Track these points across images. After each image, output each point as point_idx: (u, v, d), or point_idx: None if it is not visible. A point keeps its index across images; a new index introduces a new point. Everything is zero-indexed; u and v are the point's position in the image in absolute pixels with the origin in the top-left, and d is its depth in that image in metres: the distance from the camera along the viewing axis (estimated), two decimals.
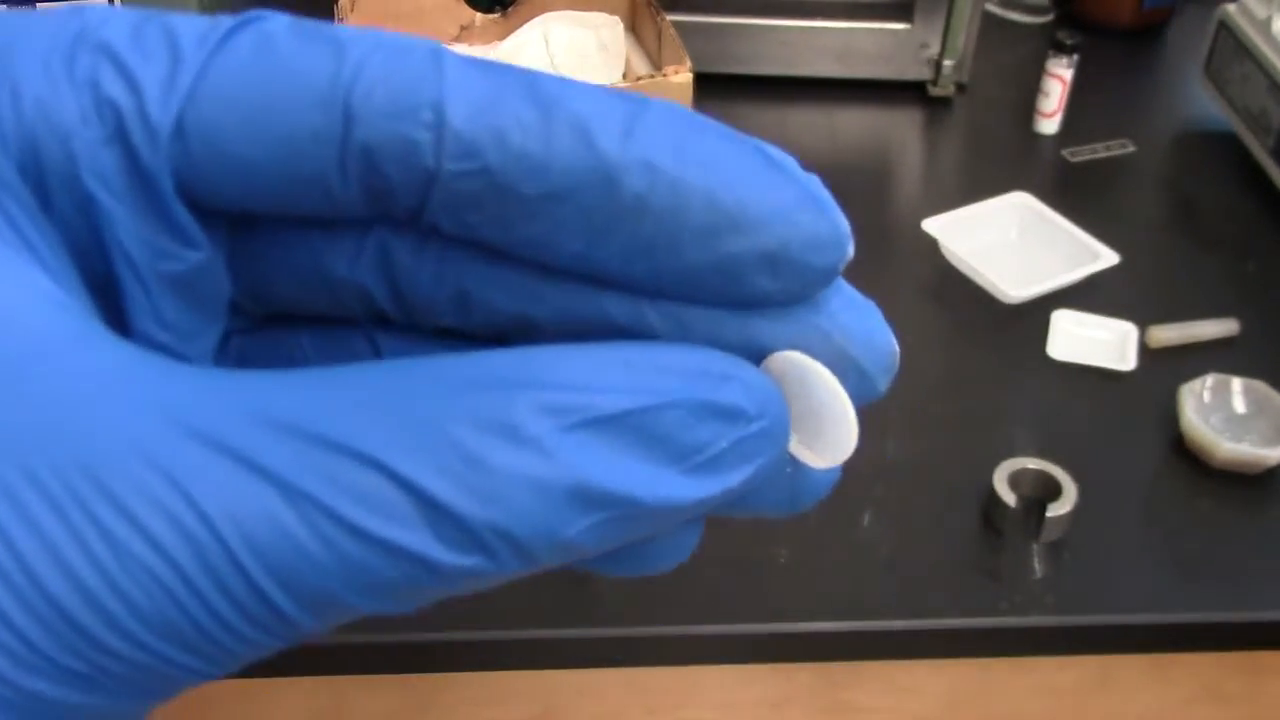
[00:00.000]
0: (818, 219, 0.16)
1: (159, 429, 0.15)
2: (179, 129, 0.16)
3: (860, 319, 0.17)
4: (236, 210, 0.17)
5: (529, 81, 0.16)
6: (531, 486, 0.15)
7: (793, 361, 0.17)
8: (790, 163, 0.17)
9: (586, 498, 0.15)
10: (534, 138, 0.16)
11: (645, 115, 0.16)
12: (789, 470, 0.18)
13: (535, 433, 0.15)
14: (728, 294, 0.16)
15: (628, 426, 0.15)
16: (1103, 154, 1.07)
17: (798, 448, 0.18)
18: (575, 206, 0.16)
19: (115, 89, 0.16)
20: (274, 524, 0.14)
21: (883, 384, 0.18)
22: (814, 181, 0.17)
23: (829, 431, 0.18)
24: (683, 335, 0.17)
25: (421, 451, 0.15)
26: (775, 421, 0.17)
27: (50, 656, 0.14)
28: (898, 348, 0.18)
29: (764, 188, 0.16)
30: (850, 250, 0.17)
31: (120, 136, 0.16)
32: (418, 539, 0.15)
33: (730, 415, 0.16)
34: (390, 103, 0.16)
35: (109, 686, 0.15)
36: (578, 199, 0.16)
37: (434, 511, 0.15)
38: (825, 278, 0.17)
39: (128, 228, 0.16)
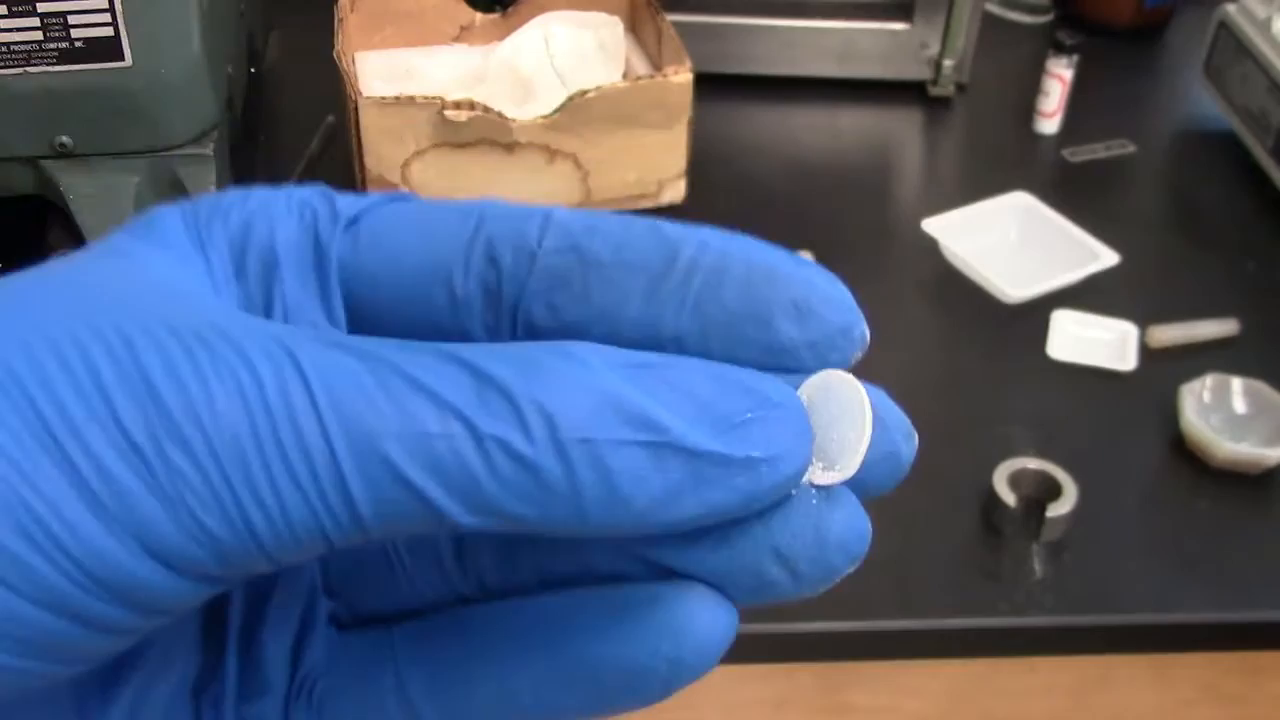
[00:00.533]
0: (833, 283, 0.19)
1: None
2: (354, 221, 0.21)
3: (880, 393, 0.19)
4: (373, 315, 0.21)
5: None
6: (577, 384, 0.16)
7: (819, 380, 0.19)
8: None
9: (624, 412, 0.16)
10: (616, 225, 0.19)
11: (700, 228, 0.19)
12: (814, 502, 0.18)
13: (584, 355, 0.17)
14: (761, 341, 0.19)
15: (667, 381, 0.17)
16: (1103, 154, 1.07)
17: (816, 473, 0.18)
18: (644, 272, 0.19)
19: (315, 199, 0.21)
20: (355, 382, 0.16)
21: (906, 448, 0.20)
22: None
23: (848, 440, 0.18)
24: None
25: (483, 350, 0.17)
26: (794, 410, 0.18)
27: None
28: (917, 438, 0.20)
29: (789, 258, 0.19)
30: (865, 331, 0.19)
31: (311, 221, 0.21)
32: (463, 399, 0.16)
33: (759, 397, 0.17)
34: (512, 213, 0.20)
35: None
36: (647, 266, 0.19)
37: (482, 380, 0.16)
38: (843, 338, 0.19)
39: (294, 290, 0.20)
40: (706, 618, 0.18)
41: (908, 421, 0.19)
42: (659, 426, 0.16)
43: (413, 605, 0.21)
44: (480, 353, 0.17)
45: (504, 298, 0.19)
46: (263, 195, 0.21)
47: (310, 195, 0.21)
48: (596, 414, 0.16)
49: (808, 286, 0.19)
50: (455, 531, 0.18)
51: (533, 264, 0.19)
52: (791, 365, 0.19)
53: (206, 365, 0.16)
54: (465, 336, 0.20)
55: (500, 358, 0.17)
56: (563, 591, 0.19)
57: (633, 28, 1.04)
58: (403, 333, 0.19)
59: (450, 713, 0.19)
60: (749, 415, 0.17)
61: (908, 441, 0.19)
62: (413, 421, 0.16)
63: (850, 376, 0.19)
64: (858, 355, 0.19)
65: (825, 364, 0.19)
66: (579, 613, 0.19)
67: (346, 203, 0.21)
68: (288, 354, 0.16)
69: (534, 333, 0.19)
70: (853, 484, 0.18)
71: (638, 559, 0.19)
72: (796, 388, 0.18)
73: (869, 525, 0.19)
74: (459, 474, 0.16)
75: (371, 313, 0.20)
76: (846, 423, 0.18)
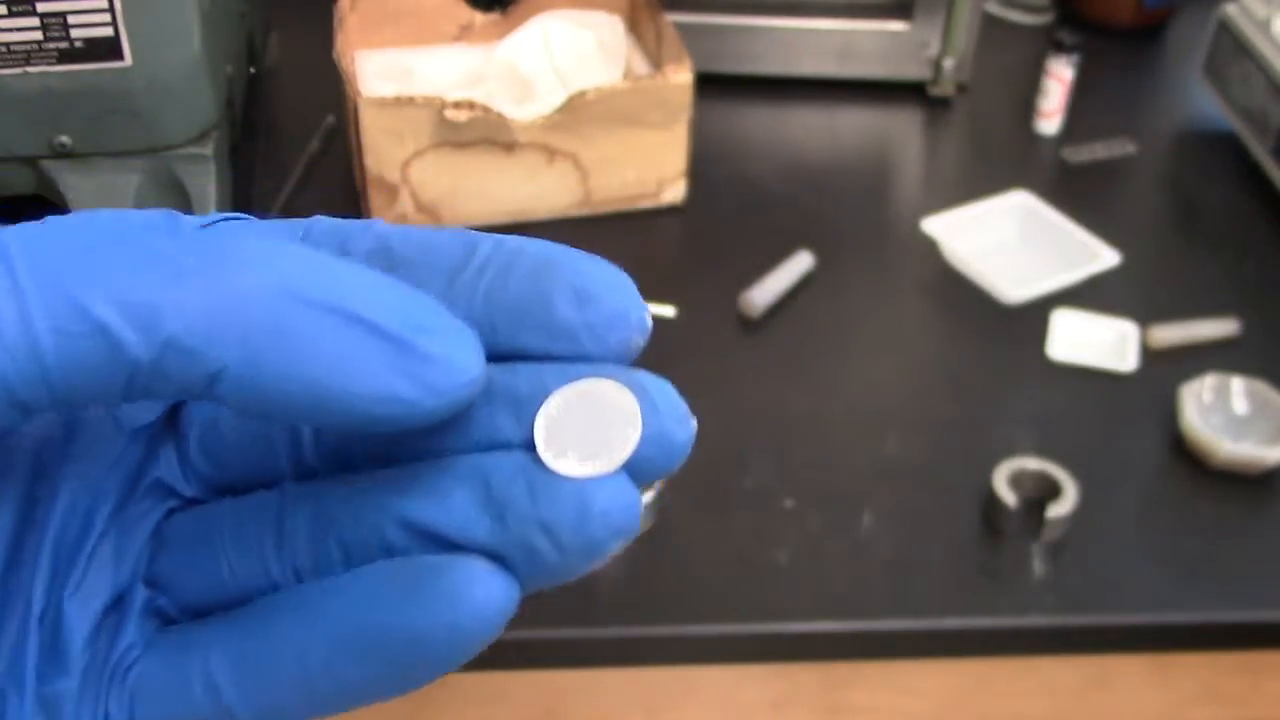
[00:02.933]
0: (614, 272, 0.20)
1: None
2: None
3: (659, 381, 0.20)
4: None
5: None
6: (268, 261, 0.19)
7: (584, 385, 0.20)
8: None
9: (314, 286, 0.19)
10: (427, 232, 0.21)
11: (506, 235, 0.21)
12: (578, 479, 0.20)
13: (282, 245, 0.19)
14: (543, 323, 0.20)
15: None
16: (1103, 154, 1.07)
17: (570, 464, 0.19)
18: (444, 267, 0.21)
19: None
20: None
21: (679, 432, 0.20)
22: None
23: (612, 439, 0.20)
24: (515, 379, 0.20)
25: None
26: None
27: None
28: (694, 424, 0.20)
29: (576, 253, 0.21)
30: (645, 317, 0.20)
31: None
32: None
33: (440, 314, 0.20)
34: (338, 225, 0.22)
35: None
36: (448, 262, 0.21)
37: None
38: (621, 320, 0.20)
39: None
40: (482, 585, 0.19)
41: (683, 406, 0.20)
42: (345, 308, 0.19)
43: (235, 597, 0.22)
44: (180, 244, 0.18)
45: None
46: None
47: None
48: (285, 281, 0.18)
49: (589, 275, 0.20)
50: (134, 384, 0.18)
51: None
52: (572, 349, 0.20)
53: None
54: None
55: (194, 248, 0.18)
56: (356, 569, 0.21)
57: (633, 28, 1.04)
58: None
59: (254, 695, 0.21)
60: (430, 322, 0.19)
61: (681, 425, 0.20)
62: (110, 272, 0.18)
63: (615, 384, 0.20)
64: (639, 341, 0.20)
65: (604, 346, 0.20)
66: (366, 586, 0.20)
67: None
68: None
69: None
70: (629, 467, 0.20)
71: (428, 537, 0.20)
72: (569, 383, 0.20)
73: (637, 501, 0.20)
74: (143, 304, 0.18)
75: None
76: (613, 423, 0.20)
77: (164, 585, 0.22)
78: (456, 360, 0.19)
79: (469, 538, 0.20)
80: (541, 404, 0.20)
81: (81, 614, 0.21)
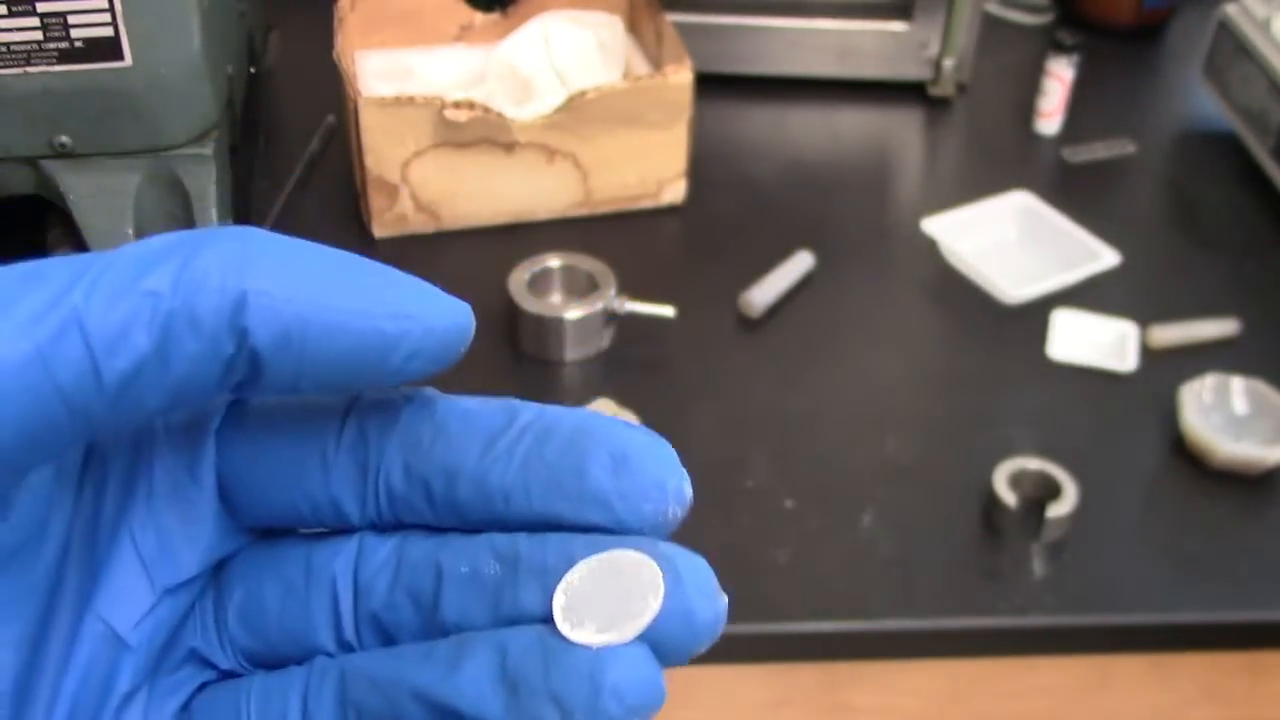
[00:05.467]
0: (655, 441, 0.20)
1: None
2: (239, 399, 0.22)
3: (691, 555, 0.20)
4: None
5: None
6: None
7: (609, 555, 0.20)
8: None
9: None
10: (472, 401, 0.21)
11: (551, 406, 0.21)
12: (593, 652, 0.19)
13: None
14: (576, 490, 0.20)
15: None
16: (1103, 154, 1.07)
17: (586, 634, 0.19)
18: (484, 434, 0.21)
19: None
20: None
21: (704, 608, 0.19)
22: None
23: (632, 609, 0.19)
24: (543, 550, 0.20)
25: None
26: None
27: None
28: (724, 601, 0.20)
29: (618, 421, 0.21)
30: (684, 488, 0.20)
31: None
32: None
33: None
34: (382, 398, 0.22)
35: None
36: (488, 429, 0.21)
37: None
38: (657, 489, 0.20)
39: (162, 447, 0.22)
40: None
41: (712, 582, 0.20)
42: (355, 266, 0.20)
43: None
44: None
45: (369, 467, 0.21)
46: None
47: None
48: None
49: (627, 441, 0.20)
50: (170, 333, 0.19)
51: (392, 435, 0.21)
52: (606, 517, 0.20)
53: None
54: (334, 500, 0.22)
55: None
56: None
57: (633, 27, 1.04)
58: (277, 489, 0.22)
59: None
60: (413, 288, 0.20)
61: (708, 600, 0.19)
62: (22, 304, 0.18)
63: (641, 555, 0.19)
64: (677, 512, 0.20)
65: (639, 515, 0.20)
66: None
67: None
68: None
69: (391, 493, 0.21)
70: (650, 643, 0.19)
71: (444, 712, 0.20)
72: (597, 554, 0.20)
73: (657, 678, 0.19)
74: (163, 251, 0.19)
75: (244, 471, 0.22)
76: (634, 594, 0.19)
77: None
78: (453, 300, 0.20)
79: (482, 714, 0.19)
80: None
81: None
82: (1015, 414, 0.81)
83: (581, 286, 0.85)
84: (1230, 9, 1.05)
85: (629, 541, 0.20)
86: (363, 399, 0.22)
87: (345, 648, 0.22)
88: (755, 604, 0.69)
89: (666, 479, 0.20)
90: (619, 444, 0.20)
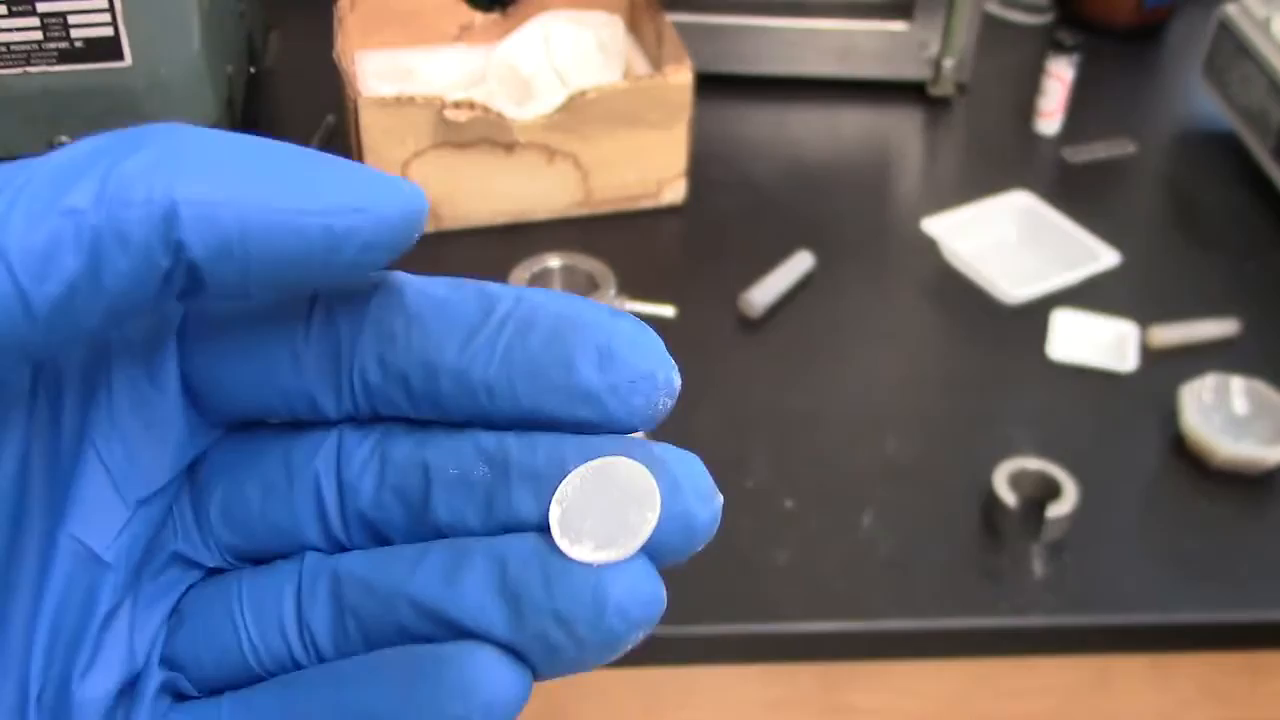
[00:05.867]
0: (641, 330, 0.20)
1: None
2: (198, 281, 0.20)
3: (685, 456, 0.20)
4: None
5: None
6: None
7: (602, 463, 0.19)
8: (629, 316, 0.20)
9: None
10: (443, 285, 0.21)
11: (528, 289, 0.20)
12: (595, 569, 0.19)
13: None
14: (564, 386, 0.19)
15: None
16: (1103, 154, 1.07)
17: (585, 550, 0.19)
18: (462, 326, 0.20)
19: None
20: None
21: (702, 511, 0.19)
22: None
23: (630, 523, 0.19)
24: (534, 454, 0.20)
25: None
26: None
27: None
28: (719, 501, 0.19)
29: (601, 308, 0.20)
30: (673, 378, 0.20)
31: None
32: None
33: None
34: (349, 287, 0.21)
35: None
36: (465, 320, 0.20)
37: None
38: (647, 381, 0.19)
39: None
40: (492, 677, 0.19)
41: (708, 483, 0.19)
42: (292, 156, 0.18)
43: (254, 675, 0.21)
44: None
45: (342, 358, 0.21)
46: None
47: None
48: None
49: (612, 333, 0.19)
50: (97, 253, 0.18)
51: (364, 325, 0.20)
52: (595, 413, 0.19)
53: None
54: (308, 394, 0.21)
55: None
56: (374, 653, 0.20)
57: (633, 27, 1.04)
58: (246, 385, 0.21)
59: None
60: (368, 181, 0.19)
61: (705, 503, 0.19)
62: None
63: (634, 463, 0.19)
64: (666, 403, 0.20)
65: (629, 409, 0.19)
66: (377, 674, 0.19)
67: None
68: None
69: (368, 387, 0.20)
70: (648, 551, 0.19)
71: (443, 623, 0.19)
72: (587, 461, 0.19)
73: (659, 591, 0.19)
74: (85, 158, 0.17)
75: (210, 369, 0.21)
76: (630, 505, 0.19)
77: (181, 664, 0.22)
78: (403, 184, 0.19)
79: (484, 628, 0.19)
80: (560, 482, 0.19)
81: (91, 698, 0.20)
82: (1015, 414, 0.81)
83: (581, 286, 0.85)
84: (1230, 9, 1.05)
85: (620, 441, 0.19)
86: (327, 290, 0.21)
87: (335, 544, 0.21)
88: (755, 604, 0.69)
89: (655, 370, 0.19)
90: (605, 335, 0.19)
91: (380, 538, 0.21)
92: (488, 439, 0.20)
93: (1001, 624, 0.69)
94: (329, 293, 0.21)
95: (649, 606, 0.18)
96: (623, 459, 0.19)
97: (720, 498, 0.19)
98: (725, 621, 0.69)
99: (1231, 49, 1.05)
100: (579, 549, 0.19)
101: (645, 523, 0.19)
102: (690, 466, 0.19)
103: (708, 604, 0.69)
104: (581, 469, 0.19)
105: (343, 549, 0.21)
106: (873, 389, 0.83)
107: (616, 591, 0.18)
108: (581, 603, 0.18)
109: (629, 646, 0.19)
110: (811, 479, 0.76)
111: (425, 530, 0.20)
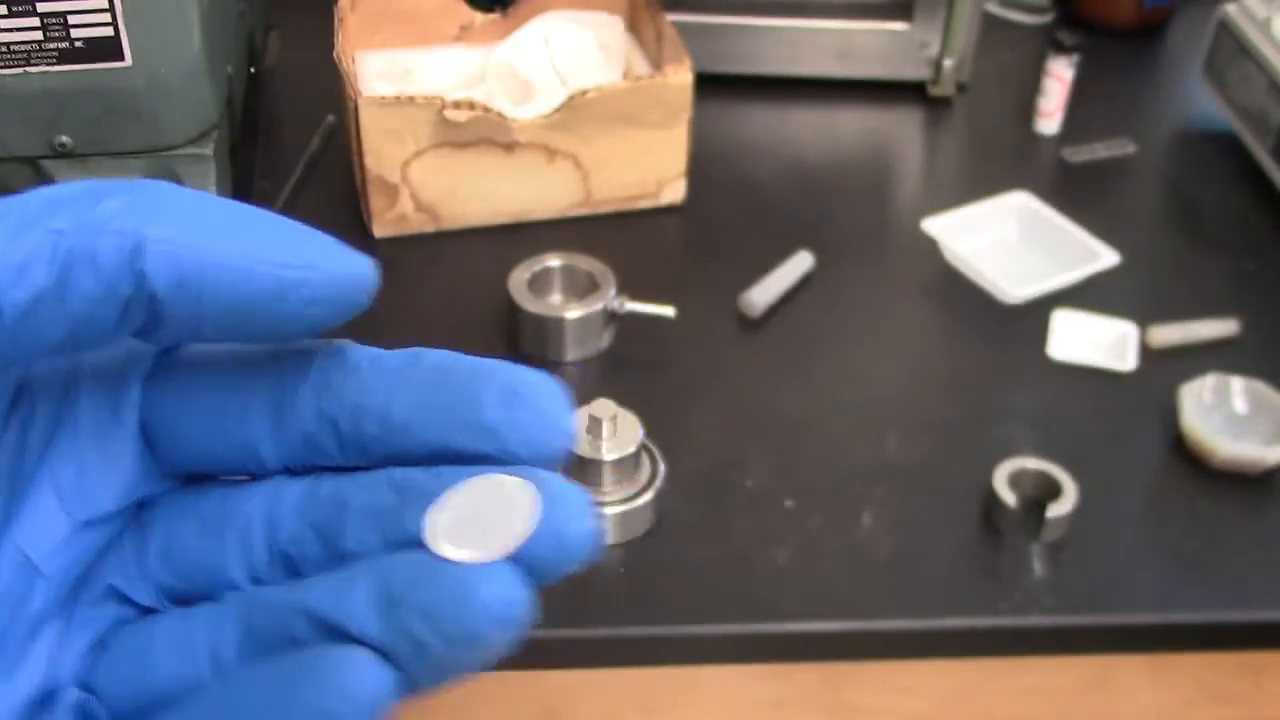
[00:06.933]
0: (544, 378, 0.21)
1: None
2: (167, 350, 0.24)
3: (571, 485, 0.21)
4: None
5: None
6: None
7: (487, 479, 0.21)
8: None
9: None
10: (383, 353, 0.22)
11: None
12: (462, 572, 0.20)
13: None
14: (471, 421, 0.21)
15: None
16: (1103, 154, 1.07)
17: (456, 551, 0.20)
18: (390, 374, 0.22)
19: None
20: None
21: (575, 527, 0.20)
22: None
23: (500, 529, 0.20)
24: (436, 481, 0.21)
25: None
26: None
27: None
28: (595, 523, 0.21)
29: (512, 364, 0.22)
30: (570, 420, 0.21)
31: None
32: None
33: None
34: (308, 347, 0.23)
35: None
36: (393, 369, 0.22)
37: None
38: (544, 420, 0.21)
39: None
40: (360, 676, 0.20)
41: (585, 504, 0.21)
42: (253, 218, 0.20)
43: (169, 696, 0.22)
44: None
45: (284, 410, 0.22)
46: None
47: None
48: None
49: (521, 379, 0.21)
50: (67, 279, 0.19)
51: (306, 379, 0.22)
52: (497, 448, 0.21)
53: None
54: (250, 444, 0.23)
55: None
56: (259, 664, 0.21)
57: (633, 27, 1.04)
58: (198, 434, 0.23)
59: None
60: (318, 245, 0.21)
61: (578, 520, 0.20)
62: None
63: (518, 480, 0.20)
64: (565, 444, 0.21)
65: (528, 445, 0.21)
66: (265, 677, 0.21)
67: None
68: None
69: (304, 435, 0.22)
70: (524, 563, 0.20)
71: (330, 632, 0.21)
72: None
73: (524, 593, 0.20)
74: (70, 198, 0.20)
75: (169, 417, 0.23)
76: (508, 515, 0.20)
77: (99, 691, 0.23)
78: (358, 253, 0.21)
79: (361, 631, 0.20)
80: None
81: (7, 698, 0.21)
82: (1015, 414, 0.81)
83: (581, 286, 0.85)
84: (1230, 9, 1.05)
85: (516, 471, 0.21)
86: (282, 350, 0.23)
87: (257, 583, 0.23)
88: (755, 604, 0.69)
89: (558, 413, 0.21)
90: (511, 379, 0.21)
91: (297, 572, 0.22)
92: (398, 472, 0.22)
93: (1001, 624, 0.69)
94: (283, 353, 0.23)
95: (513, 606, 0.20)
96: (508, 476, 0.20)
97: (597, 522, 0.21)
98: (725, 621, 0.69)
99: (1231, 49, 1.05)
100: (450, 549, 0.20)
101: (519, 529, 0.20)
102: (569, 489, 0.21)
103: (708, 604, 0.69)
104: (468, 482, 0.21)
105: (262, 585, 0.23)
106: (873, 389, 0.83)
107: (483, 589, 0.19)
108: (448, 599, 0.19)
109: (496, 647, 0.20)
110: (811, 479, 0.76)
111: (336, 561, 0.22)
